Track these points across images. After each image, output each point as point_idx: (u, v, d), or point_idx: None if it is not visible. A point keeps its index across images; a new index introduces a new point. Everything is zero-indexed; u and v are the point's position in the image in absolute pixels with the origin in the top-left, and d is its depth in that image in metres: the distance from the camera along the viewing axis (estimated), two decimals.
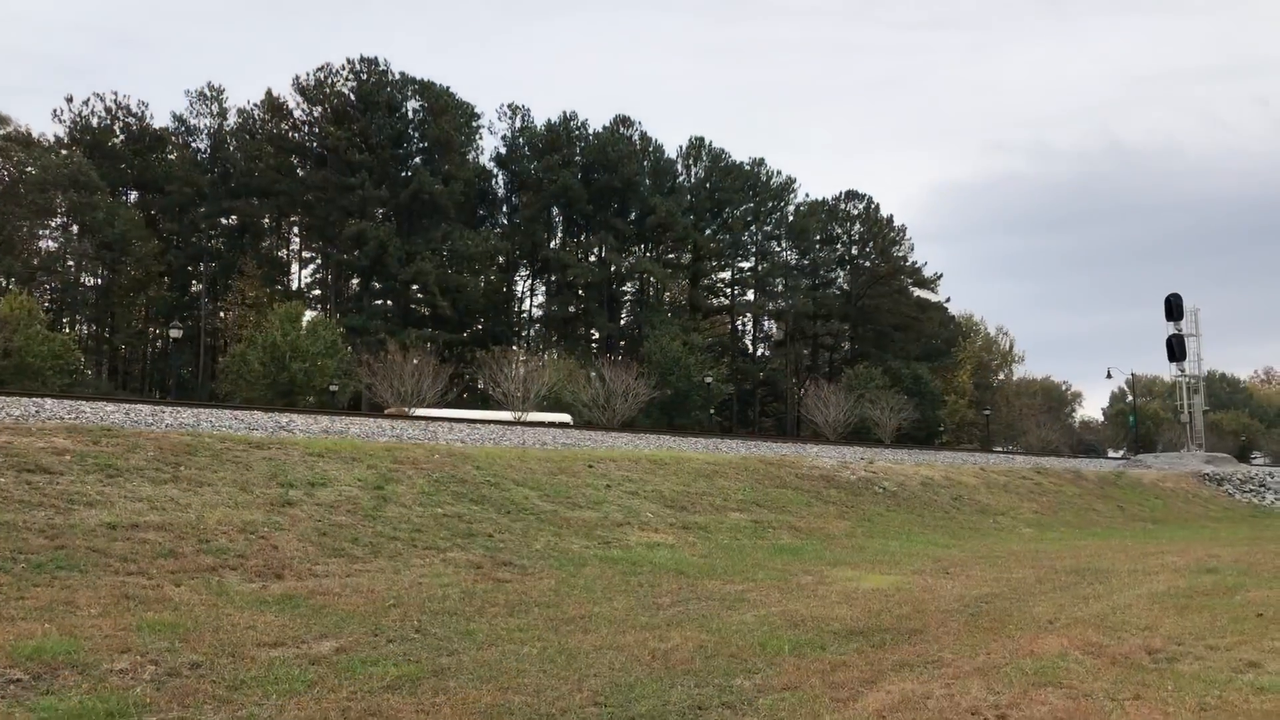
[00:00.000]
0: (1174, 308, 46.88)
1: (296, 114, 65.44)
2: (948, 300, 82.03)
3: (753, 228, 75.76)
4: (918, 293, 79.46)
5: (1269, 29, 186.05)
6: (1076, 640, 8.58)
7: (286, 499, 12.50)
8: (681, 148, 74.97)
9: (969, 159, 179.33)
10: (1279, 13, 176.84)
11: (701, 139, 74.63)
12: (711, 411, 62.85)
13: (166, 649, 6.99)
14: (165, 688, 6.18)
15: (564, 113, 70.30)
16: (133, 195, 65.24)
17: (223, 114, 66.71)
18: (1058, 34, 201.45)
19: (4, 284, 52.59)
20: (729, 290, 78.17)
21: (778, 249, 77.51)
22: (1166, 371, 48.66)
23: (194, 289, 66.33)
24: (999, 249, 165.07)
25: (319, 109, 64.01)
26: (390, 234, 60.34)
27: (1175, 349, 46.83)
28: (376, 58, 64.29)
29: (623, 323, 72.05)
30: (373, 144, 61.54)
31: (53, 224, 59.01)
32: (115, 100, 64.61)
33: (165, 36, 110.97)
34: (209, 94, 66.33)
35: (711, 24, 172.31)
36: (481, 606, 9.39)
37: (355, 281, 66.50)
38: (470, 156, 68.64)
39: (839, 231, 79.72)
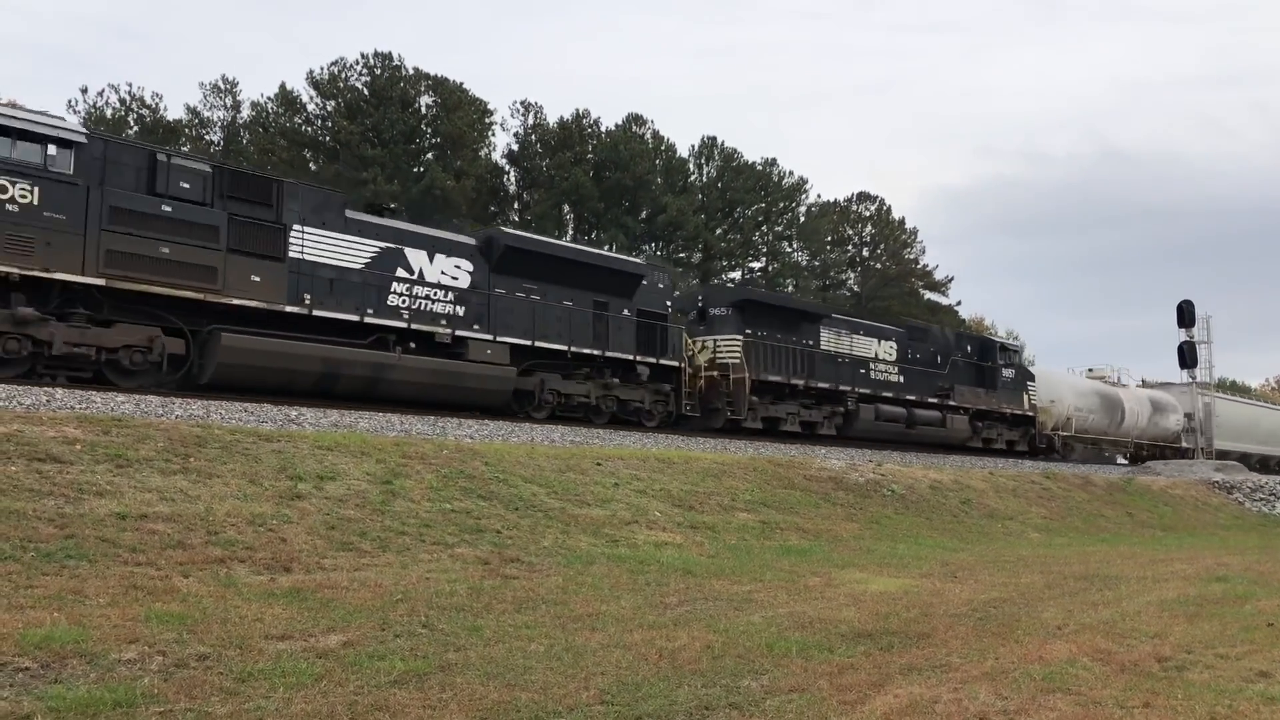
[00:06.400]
0: (1185, 314, 46.56)
1: (310, 108, 65.60)
2: (958, 304, 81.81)
3: (764, 228, 75.67)
4: (928, 295, 79.24)
5: (1264, 38, 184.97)
6: (1085, 646, 8.54)
7: (295, 492, 12.51)
8: (694, 147, 74.92)
9: (962, 162, 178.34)
10: (1272, 22, 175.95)
11: (714, 138, 74.46)
12: None
13: (174, 640, 7.00)
14: (173, 679, 6.19)
15: (576, 110, 70.21)
16: None
17: (236, 107, 66.95)
18: (1050, 40, 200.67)
19: None
20: None
21: (788, 249, 77.36)
22: (1178, 378, 48.18)
23: None
24: (999, 252, 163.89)
25: (332, 103, 64.11)
26: None
27: (1186, 355, 46.56)
28: (390, 53, 64.32)
29: None
30: (385, 139, 61.58)
31: None
32: (129, 92, 64.84)
33: (166, 31, 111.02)
34: (223, 87, 66.60)
35: (708, 26, 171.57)
36: (489, 603, 9.39)
37: None
38: (483, 153, 68.63)
39: (850, 233, 79.57)
